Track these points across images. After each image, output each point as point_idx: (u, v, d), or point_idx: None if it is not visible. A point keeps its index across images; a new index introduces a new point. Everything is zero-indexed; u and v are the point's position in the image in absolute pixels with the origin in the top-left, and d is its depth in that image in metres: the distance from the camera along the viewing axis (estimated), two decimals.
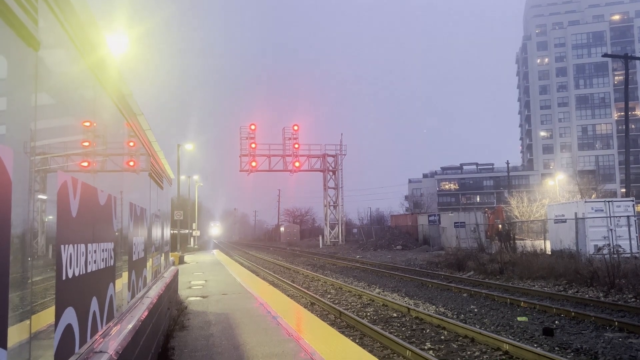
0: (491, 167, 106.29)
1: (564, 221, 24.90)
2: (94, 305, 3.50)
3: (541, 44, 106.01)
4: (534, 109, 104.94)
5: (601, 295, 14.84)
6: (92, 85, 3.68)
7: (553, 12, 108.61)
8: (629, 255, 21.46)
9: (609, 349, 8.89)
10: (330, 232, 60.35)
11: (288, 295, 15.33)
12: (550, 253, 24.18)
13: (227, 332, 8.89)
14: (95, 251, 3.50)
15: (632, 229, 23.61)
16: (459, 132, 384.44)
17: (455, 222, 43.05)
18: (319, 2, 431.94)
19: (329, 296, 16.32)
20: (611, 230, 23.55)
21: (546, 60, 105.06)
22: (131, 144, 5.72)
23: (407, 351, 8.40)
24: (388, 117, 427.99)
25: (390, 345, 9.11)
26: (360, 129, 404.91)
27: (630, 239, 23.23)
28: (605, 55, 37.93)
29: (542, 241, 27.43)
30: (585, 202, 25.46)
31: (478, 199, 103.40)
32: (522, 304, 13.63)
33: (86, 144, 3.59)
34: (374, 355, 7.59)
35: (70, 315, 2.91)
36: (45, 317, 2.58)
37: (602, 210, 23.98)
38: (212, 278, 19.61)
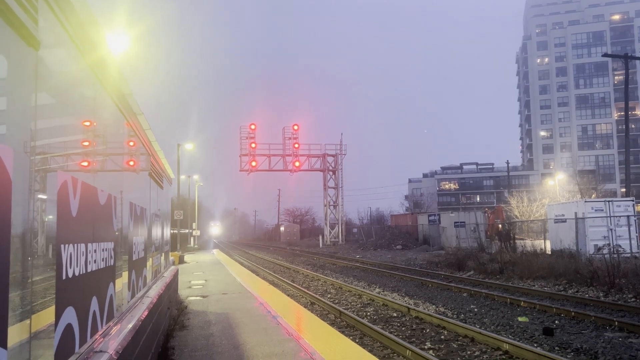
0: (491, 166, 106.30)
1: (564, 221, 24.90)
2: (94, 304, 3.50)
3: (541, 44, 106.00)
4: (534, 109, 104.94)
5: (601, 295, 14.84)
6: (92, 84, 3.68)
7: (553, 12, 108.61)
8: (629, 255, 21.46)
9: (609, 348, 8.89)
10: (330, 232, 60.36)
11: (288, 295, 15.33)
12: (550, 253, 24.18)
13: (227, 332, 8.89)
14: (95, 251, 3.50)
15: (632, 228, 23.61)
16: (459, 132, 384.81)
17: (455, 222, 43.05)
18: (319, 2, 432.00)
19: (329, 296, 16.32)
20: (611, 230, 23.55)
21: (546, 60, 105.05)
22: (131, 143, 5.71)
23: (407, 351, 8.40)
24: (388, 116, 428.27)
25: (390, 345, 9.11)
26: (360, 128, 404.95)
27: (630, 238, 23.23)
28: (605, 55, 37.90)
29: (542, 241, 27.44)
30: (585, 201, 25.46)
31: (478, 199, 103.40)
32: (522, 303, 13.63)
33: (86, 143, 3.59)
34: (374, 354, 7.59)
35: (70, 315, 2.91)
36: (46, 316, 2.58)
37: (602, 210, 23.98)
38: (212, 278, 19.61)
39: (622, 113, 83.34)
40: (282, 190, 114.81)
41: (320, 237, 61.10)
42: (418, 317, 12.07)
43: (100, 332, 3.66)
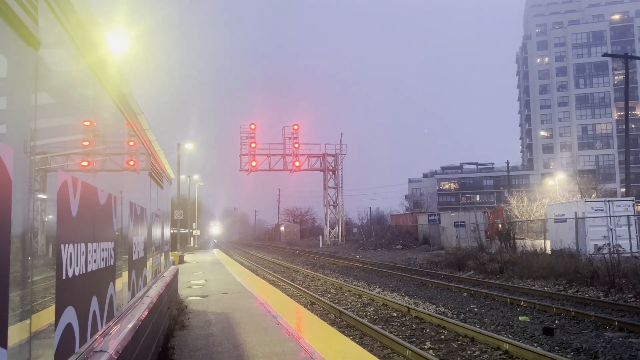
0: (491, 166, 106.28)
1: (564, 221, 24.90)
2: (94, 304, 3.50)
3: (541, 44, 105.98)
4: (534, 109, 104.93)
5: (601, 294, 14.84)
6: (92, 84, 3.68)
7: (553, 12, 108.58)
8: (629, 254, 21.47)
9: (609, 348, 8.89)
10: (330, 232, 60.37)
11: (288, 295, 15.33)
12: (550, 252, 24.18)
13: (227, 332, 8.89)
14: (95, 250, 3.50)
15: (632, 228, 23.61)
16: (459, 132, 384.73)
17: (455, 222, 43.05)
18: (319, 2, 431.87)
19: (328, 296, 16.32)
20: (611, 229, 23.55)
21: (546, 59, 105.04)
22: (131, 143, 5.71)
23: (407, 350, 8.40)
24: (388, 116, 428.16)
25: (390, 345, 9.11)
26: (360, 128, 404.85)
27: (630, 238, 23.23)
28: (605, 54, 37.89)
29: (542, 241, 27.45)
30: (585, 201, 25.47)
31: (478, 199, 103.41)
32: (522, 303, 13.63)
33: (86, 143, 3.59)
34: (374, 354, 7.59)
35: (70, 315, 2.91)
36: (46, 316, 2.58)
37: (602, 210, 23.98)
38: (212, 277, 19.62)
39: (622, 113, 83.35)
40: (282, 190, 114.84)
41: (320, 237, 61.10)
42: (418, 316, 12.07)
43: (100, 332, 3.66)
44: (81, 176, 3.23)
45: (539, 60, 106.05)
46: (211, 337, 8.47)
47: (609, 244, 22.32)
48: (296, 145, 55.19)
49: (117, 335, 3.97)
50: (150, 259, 7.58)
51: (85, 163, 3.54)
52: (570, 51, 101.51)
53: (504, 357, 8.43)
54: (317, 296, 15.39)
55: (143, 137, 6.57)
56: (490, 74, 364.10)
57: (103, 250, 3.76)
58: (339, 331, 9.50)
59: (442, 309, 13.20)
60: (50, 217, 2.72)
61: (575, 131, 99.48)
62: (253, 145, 54.18)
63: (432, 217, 46.95)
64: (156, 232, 8.66)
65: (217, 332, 8.93)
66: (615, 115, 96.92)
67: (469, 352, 8.80)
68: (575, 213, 23.56)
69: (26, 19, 2.17)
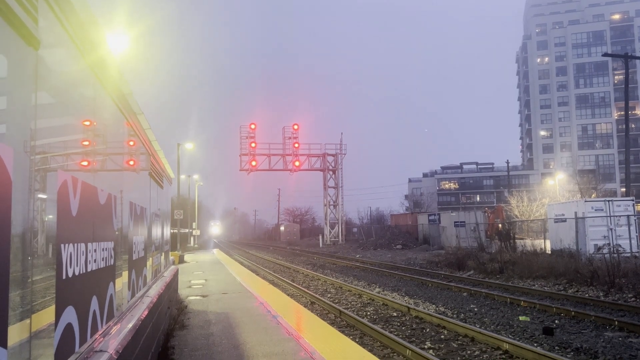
0: (491, 166, 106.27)
1: (564, 220, 24.90)
2: (94, 304, 3.50)
3: (541, 43, 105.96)
4: (534, 108, 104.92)
5: (601, 294, 14.84)
6: (92, 84, 3.68)
7: (553, 12, 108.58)
8: (629, 254, 21.49)
9: (609, 348, 8.89)
10: (330, 232, 60.37)
11: (288, 295, 15.33)
12: (550, 252, 24.19)
13: (227, 331, 8.89)
14: (95, 250, 3.50)
15: (632, 228, 23.62)
16: (459, 132, 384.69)
17: (455, 222, 43.04)
18: (319, 2, 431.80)
19: (328, 295, 16.32)
20: (611, 229, 23.55)
21: (546, 59, 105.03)
22: (131, 143, 5.71)
23: (407, 350, 8.40)
24: (388, 116, 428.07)
25: (390, 345, 9.11)
26: (360, 128, 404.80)
27: (630, 238, 23.24)
28: (605, 54, 37.89)
29: (542, 240, 27.45)
30: (585, 201, 25.47)
31: (478, 199, 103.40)
32: (522, 303, 13.63)
33: (86, 143, 3.59)
34: (374, 354, 7.59)
35: (70, 315, 2.91)
36: (46, 316, 2.58)
37: (602, 210, 23.98)
38: (212, 277, 19.62)
39: (622, 112, 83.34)
40: (282, 190, 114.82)
41: (320, 237, 61.10)
42: (418, 316, 12.07)
43: (100, 332, 3.66)
44: (81, 176, 3.23)
45: (539, 60, 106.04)
46: (211, 337, 8.47)
47: (609, 244, 22.31)
48: (296, 145, 55.20)
49: (117, 335, 3.97)
50: (150, 258, 7.59)
51: (85, 163, 3.54)
52: (570, 51, 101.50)
53: (504, 356, 8.43)
54: (317, 296, 15.40)
55: (143, 136, 6.57)
56: (490, 74, 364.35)
57: (103, 250, 3.76)
58: (339, 331, 9.51)
59: (442, 309, 13.20)
60: (50, 216, 2.72)
61: (575, 131, 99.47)
62: (253, 145, 54.18)
63: (432, 217, 46.95)
64: (156, 231, 8.66)
65: (217, 331, 8.93)
66: (615, 115, 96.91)
67: (469, 351, 8.80)
68: (575, 213, 23.56)
69: (26, 19, 2.18)
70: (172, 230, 24.63)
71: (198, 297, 13.67)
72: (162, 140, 8.69)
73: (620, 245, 22.44)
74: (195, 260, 31.78)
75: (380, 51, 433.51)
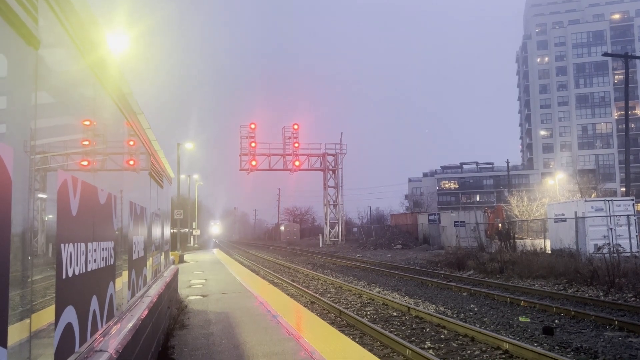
0: (491, 166, 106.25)
1: (564, 220, 24.91)
2: (94, 304, 3.50)
3: (541, 43, 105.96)
4: (534, 108, 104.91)
5: (601, 294, 14.84)
6: (92, 84, 3.68)
7: (553, 11, 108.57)
8: (628, 254, 21.49)
9: (609, 348, 8.90)
10: (330, 231, 60.38)
11: (288, 294, 15.34)
12: (550, 252, 24.19)
13: (227, 331, 8.89)
14: (95, 250, 3.50)
15: (632, 228, 23.62)
16: (459, 132, 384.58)
17: (455, 221, 43.05)
18: (319, 2, 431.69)
19: (328, 295, 16.32)
20: (611, 229, 23.56)
21: (546, 59, 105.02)
22: (131, 142, 5.72)
23: (407, 350, 8.41)
24: (388, 116, 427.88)
25: (390, 344, 9.11)
26: (360, 128, 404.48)
27: (630, 238, 23.25)
28: (606, 54, 37.88)
29: (542, 240, 27.45)
30: (585, 201, 25.48)
31: (478, 198, 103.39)
32: (522, 303, 13.63)
33: (86, 142, 3.59)
34: (374, 354, 7.59)
35: (70, 314, 2.91)
36: (46, 315, 2.58)
37: (602, 210, 23.99)
38: (212, 277, 19.62)
39: (622, 112, 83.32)
40: (282, 190, 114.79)
41: (320, 237, 61.11)
42: (418, 316, 12.08)
43: (100, 331, 3.67)
44: (81, 176, 3.23)
45: (539, 59, 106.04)
46: (211, 337, 8.48)
47: (608, 244, 22.31)
48: (296, 144, 55.21)
49: (117, 334, 3.97)
50: (150, 258, 7.59)
51: (85, 162, 3.54)
52: (570, 51, 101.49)
53: (503, 356, 8.43)
54: (317, 296, 15.40)
55: (143, 136, 6.57)
56: (490, 74, 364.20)
57: (103, 249, 3.76)
58: (339, 330, 9.51)
59: (442, 309, 13.20)
60: (50, 216, 2.73)
61: (575, 131, 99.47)
62: (253, 144, 54.19)
63: (432, 217, 46.95)
64: (156, 231, 8.66)
65: (217, 331, 8.94)
66: (615, 114, 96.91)
67: (468, 351, 8.81)
68: (575, 213, 23.56)
69: (26, 19, 2.18)
70: (172, 230, 24.64)
71: (198, 297, 13.67)
72: (162, 140, 8.70)
73: (620, 245, 22.44)
74: (195, 260, 31.78)
75: (380, 51, 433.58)
